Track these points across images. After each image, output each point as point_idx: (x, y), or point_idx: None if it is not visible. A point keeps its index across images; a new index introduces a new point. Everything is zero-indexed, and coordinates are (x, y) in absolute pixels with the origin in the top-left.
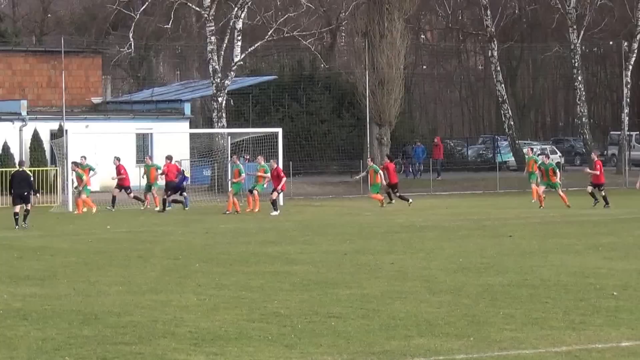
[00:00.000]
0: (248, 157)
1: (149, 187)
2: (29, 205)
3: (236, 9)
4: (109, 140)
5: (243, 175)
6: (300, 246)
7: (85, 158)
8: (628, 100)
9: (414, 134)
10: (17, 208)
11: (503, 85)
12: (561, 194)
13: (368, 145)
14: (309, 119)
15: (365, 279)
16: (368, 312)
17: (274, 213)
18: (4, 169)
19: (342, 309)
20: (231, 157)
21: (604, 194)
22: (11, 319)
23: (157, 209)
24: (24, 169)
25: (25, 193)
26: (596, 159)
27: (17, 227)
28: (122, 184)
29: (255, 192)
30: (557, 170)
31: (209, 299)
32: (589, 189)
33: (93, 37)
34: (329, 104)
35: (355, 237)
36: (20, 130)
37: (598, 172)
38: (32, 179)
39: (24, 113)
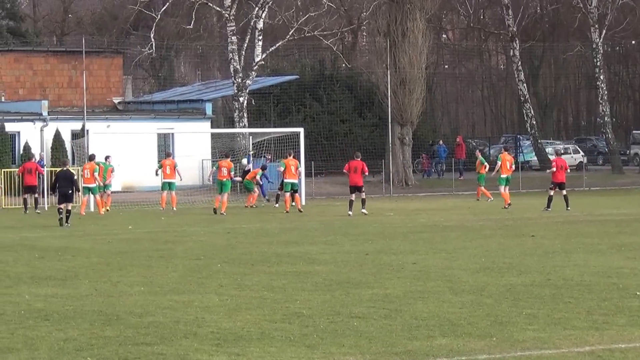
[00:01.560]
0: (270, 156)
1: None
2: (70, 205)
3: (257, 8)
4: (130, 140)
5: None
6: (322, 246)
7: (110, 157)
8: None
9: (436, 133)
10: (62, 205)
11: (525, 84)
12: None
13: (390, 145)
14: (330, 118)
15: (388, 279)
16: (390, 312)
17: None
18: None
19: (365, 309)
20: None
21: (552, 193)
22: (33, 319)
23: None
24: (68, 168)
25: (70, 192)
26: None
27: (66, 224)
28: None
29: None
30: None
31: (231, 300)
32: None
33: (114, 37)
34: (350, 103)
35: (378, 237)
36: (42, 130)
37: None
38: (75, 177)
39: (45, 113)
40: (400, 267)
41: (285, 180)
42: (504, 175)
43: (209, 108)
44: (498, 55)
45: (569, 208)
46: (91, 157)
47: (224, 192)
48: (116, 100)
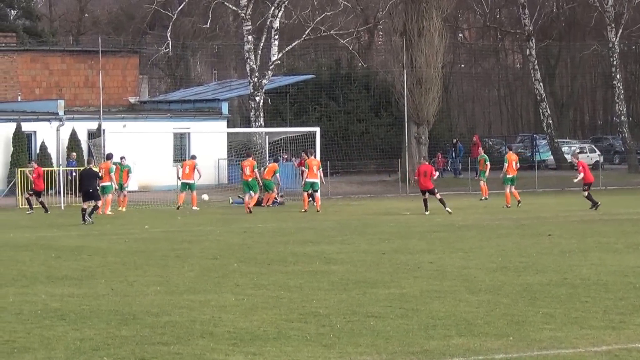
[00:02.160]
0: (286, 156)
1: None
2: (93, 203)
3: (273, 8)
4: (147, 140)
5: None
6: (338, 246)
7: (124, 158)
8: None
9: (452, 132)
10: (85, 204)
11: (541, 83)
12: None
13: (406, 144)
14: (346, 118)
15: (404, 278)
16: (407, 312)
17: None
18: (41, 169)
19: (381, 309)
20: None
21: (586, 194)
22: (49, 319)
23: (195, 208)
24: (92, 166)
25: (91, 190)
26: (577, 160)
27: (83, 222)
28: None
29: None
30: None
31: (247, 299)
32: (585, 193)
33: (130, 36)
34: (366, 103)
35: (394, 236)
36: (58, 130)
37: (582, 174)
38: (99, 176)
39: (61, 113)
40: (416, 266)
41: (307, 180)
42: (509, 175)
43: (225, 107)
44: (514, 54)
45: (599, 204)
46: (108, 157)
47: (251, 192)
48: (132, 99)
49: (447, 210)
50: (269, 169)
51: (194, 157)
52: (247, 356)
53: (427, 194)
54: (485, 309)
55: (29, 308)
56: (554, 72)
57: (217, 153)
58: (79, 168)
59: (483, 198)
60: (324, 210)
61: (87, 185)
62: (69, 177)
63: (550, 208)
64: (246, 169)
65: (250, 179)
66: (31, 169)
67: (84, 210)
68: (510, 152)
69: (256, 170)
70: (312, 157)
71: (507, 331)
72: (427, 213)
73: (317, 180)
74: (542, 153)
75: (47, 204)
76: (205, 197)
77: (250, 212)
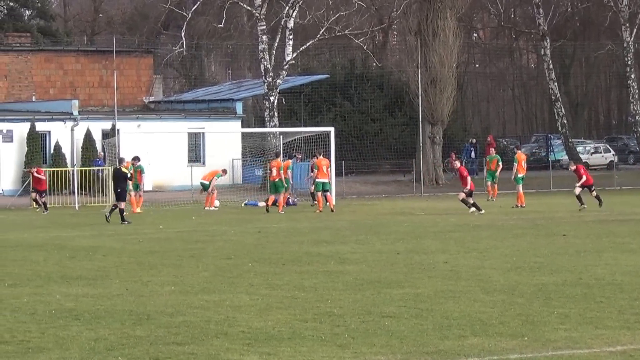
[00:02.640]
0: (300, 156)
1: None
2: (122, 202)
3: (287, 7)
4: (162, 140)
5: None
6: (353, 245)
7: (138, 159)
8: None
9: (467, 132)
10: (115, 204)
11: (556, 83)
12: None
13: (420, 144)
14: (361, 117)
15: (419, 278)
16: (421, 312)
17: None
18: (56, 169)
19: (396, 309)
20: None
21: (595, 194)
22: (63, 319)
23: (213, 207)
24: (121, 167)
25: (119, 190)
26: (574, 167)
27: (125, 222)
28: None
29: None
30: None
31: (262, 299)
32: (577, 190)
33: (144, 36)
34: (381, 102)
35: (409, 236)
36: (72, 130)
37: (585, 178)
38: (127, 176)
39: (75, 113)
40: (431, 266)
41: (317, 180)
42: (520, 175)
43: (239, 107)
44: (529, 54)
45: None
46: (120, 162)
47: (278, 193)
48: (147, 99)
49: (474, 212)
50: (284, 166)
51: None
52: (261, 356)
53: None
54: (500, 309)
55: (43, 308)
56: (568, 72)
57: (231, 153)
58: (104, 167)
59: (490, 198)
60: (339, 210)
61: (116, 186)
62: (95, 176)
63: (564, 208)
64: (273, 169)
65: (277, 180)
66: (34, 169)
67: (121, 210)
68: (520, 151)
69: (282, 171)
70: (321, 156)
71: (521, 331)
72: (482, 212)
73: (327, 180)
74: (557, 153)
75: (62, 204)
76: (217, 203)
77: (268, 210)
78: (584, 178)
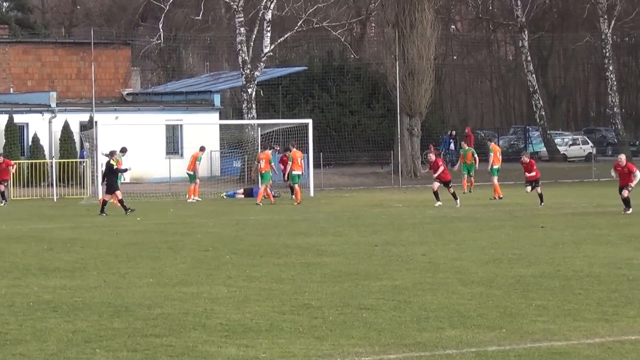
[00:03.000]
0: (278, 148)
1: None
2: (108, 196)
3: (265, 0)
4: (139, 132)
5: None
6: (331, 238)
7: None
8: None
9: (445, 124)
10: (119, 195)
11: (534, 75)
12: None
13: (399, 136)
14: (339, 109)
15: (397, 270)
16: (399, 304)
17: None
18: (34, 161)
19: (374, 301)
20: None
21: (540, 190)
22: (41, 311)
23: (193, 199)
24: (110, 160)
25: (104, 182)
26: (528, 160)
27: (128, 211)
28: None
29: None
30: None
31: (240, 291)
32: (528, 189)
33: (122, 28)
34: (359, 94)
35: (386, 228)
36: (50, 122)
37: (534, 173)
38: (115, 168)
39: (53, 105)
40: (409, 258)
41: (293, 172)
42: (496, 166)
43: (217, 99)
44: (507, 46)
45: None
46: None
47: (262, 183)
48: (125, 91)
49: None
50: (266, 156)
51: (203, 149)
52: (239, 348)
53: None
54: (478, 301)
55: (21, 300)
56: (546, 64)
57: (209, 145)
58: (64, 160)
59: (465, 191)
60: (316, 202)
61: (103, 179)
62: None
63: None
64: (262, 161)
65: (264, 172)
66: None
67: (121, 201)
68: (493, 143)
69: (272, 163)
70: (295, 149)
71: (500, 323)
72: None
73: (301, 172)
74: (535, 145)
75: (40, 196)
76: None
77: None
78: (533, 173)
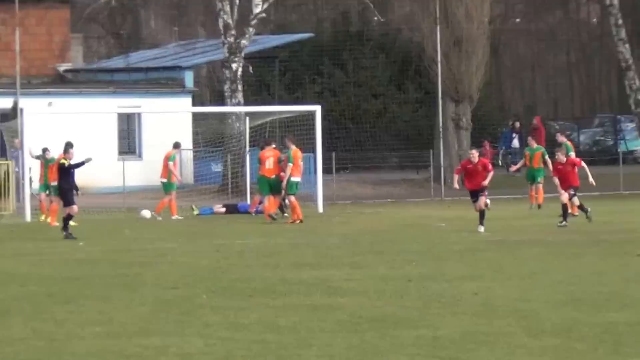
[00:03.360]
0: (274, 145)
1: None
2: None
3: None
4: (81, 123)
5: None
6: (347, 270)
7: (48, 150)
8: None
9: (505, 113)
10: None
11: (627, 45)
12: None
13: (440, 129)
14: (357, 92)
15: (438, 315)
16: None
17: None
18: None
19: (407, 358)
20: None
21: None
22: None
23: (176, 217)
24: (65, 158)
25: (65, 189)
26: (565, 159)
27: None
28: None
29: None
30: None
31: (221, 344)
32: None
33: None
34: (385, 72)
35: (424, 257)
36: None
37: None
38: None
39: None
40: (455, 299)
41: (291, 179)
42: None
43: (189, 78)
44: (589, 4)
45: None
46: (66, 149)
47: (275, 194)
48: (62, 67)
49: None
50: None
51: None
52: None
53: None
54: (552, 357)
55: None
56: None
57: (178, 142)
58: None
59: (533, 205)
60: (328, 220)
61: (60, 185)
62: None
63: None
64: (268, 161)
65: (273, 175)
66: None
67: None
68: (564, 138)
69: (281, 163)
70: (294, 146)
71: None
72: (481, 230)
73: (300, 179)
74: (629, 141)
75: None
76: (145, 213)
77: (274, 219)
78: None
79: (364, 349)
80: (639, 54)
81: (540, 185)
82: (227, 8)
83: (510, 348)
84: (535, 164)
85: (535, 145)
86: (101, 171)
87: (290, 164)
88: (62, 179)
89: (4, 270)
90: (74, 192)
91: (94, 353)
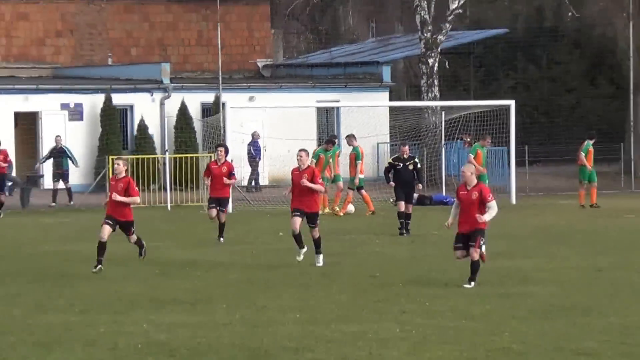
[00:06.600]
0: (469, 139)
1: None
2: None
3: None
4: (281, 117)
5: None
6: (539, 260)
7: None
8: None
9: None
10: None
11: None
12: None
13: (632, 122)
14: (550, 87)
15: (628, 304)
16: (631, 349)
17: None
18: (140, 156)
19: (597, 344)
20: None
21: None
22: (153, 355)
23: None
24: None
25: None
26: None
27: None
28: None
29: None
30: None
31: (416, 330)
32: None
33: None
34: (578, 67)
35: (614, 247)
36: (162, 104)
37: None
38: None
39: (166, 80)
40: None
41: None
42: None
43: (386, 73)
44: None
45: None
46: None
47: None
48: (261, 63)
49: None
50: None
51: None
52: None
53: None
54: None
55: (127, 341)
56: None
57: (376, 135)
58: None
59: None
60: (520, 211)
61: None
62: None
63: None
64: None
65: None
66: None
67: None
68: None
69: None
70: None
71: None
72: None
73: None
74: None
75: (149, 202)
76: (351, 208)
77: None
78: None
79: (555, 335)
80: None
81: None
82: (424, 4)
83: None
84: None
85: None
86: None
87: (359, 161)
88: None
89: (205, 259)
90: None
91: (294, 338)
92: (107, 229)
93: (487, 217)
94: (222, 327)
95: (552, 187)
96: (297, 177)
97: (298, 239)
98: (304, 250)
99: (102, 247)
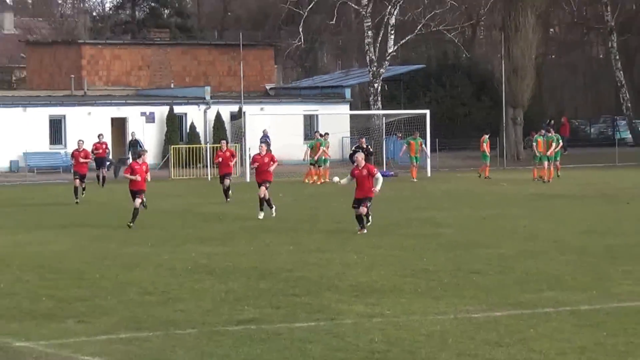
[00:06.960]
0: (400, 135)
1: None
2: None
3: (390, 6)
4: (280, 121)
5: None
6: (445, 212)
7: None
8: None
9: (544, 115)
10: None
11: (622, 72)
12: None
13: (504, 125)
14: (452, 102)
15: (502, 240)
16: (504, 269)
17: None
18: (191, 145)
19: (482, 266)
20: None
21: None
22: (198, 273)
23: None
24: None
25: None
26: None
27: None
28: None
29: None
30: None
31: (367, 258)
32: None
33: (267, 31)
34: (469, 89)
35: (494, 204)
36: (205, 112)
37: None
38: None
39: (207, 98)
40: (513, 230)
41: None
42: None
43: (348, 93)
44: (598, 46)
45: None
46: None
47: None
48: (268, 86)
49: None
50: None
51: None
52: (367, 306)
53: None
54: (572, 267)
55: (181, 265)
56: (633, 62)
57: (341, 132)
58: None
59: (545, 180)
60: (434, 181)
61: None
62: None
63: (629, 180)
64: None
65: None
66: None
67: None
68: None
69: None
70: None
71: (591, 286)
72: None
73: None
74: (622, 132)
75: (196, 176)
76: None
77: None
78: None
79: (456, 261)
80: (629, 77)
81: (558, 162)
82: (372, 49)
83: (546, 260)
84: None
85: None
86: (292, 150)
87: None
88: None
89: (231, 212)
90: None
91: (289, 262)
92: (137, 201)
93: (378, 187)
94: (243, 255)
95: (453, 165)
96: (261, 160)
97: (262, 202)
98: (264, 213)
99: (135, 212)
